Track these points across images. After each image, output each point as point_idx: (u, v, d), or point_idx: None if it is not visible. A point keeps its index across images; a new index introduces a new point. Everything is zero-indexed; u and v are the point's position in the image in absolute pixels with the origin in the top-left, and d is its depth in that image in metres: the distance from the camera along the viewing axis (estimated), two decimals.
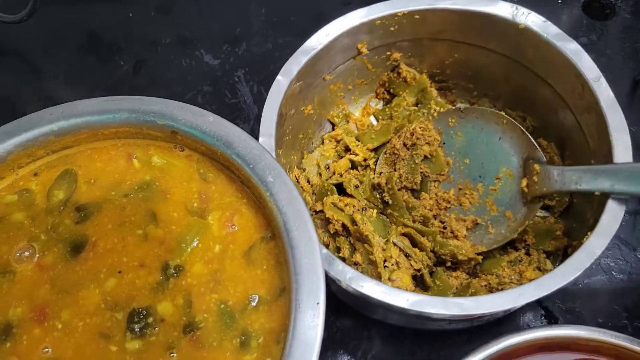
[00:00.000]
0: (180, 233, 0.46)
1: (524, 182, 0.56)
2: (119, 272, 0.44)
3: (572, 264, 0.46)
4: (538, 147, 0.56)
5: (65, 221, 0.47)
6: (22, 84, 0.78)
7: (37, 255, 0.45)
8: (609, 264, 0.61)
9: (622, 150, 0.50)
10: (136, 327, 0.42)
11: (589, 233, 0.47)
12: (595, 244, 0.47)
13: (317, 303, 0.40)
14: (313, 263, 0.41)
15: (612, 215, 0.48)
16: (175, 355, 0.42)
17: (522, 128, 0.57)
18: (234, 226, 0.46)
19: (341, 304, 0.58)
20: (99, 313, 0.43)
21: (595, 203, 0.51)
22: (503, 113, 0.59)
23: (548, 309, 0.59)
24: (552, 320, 0.58)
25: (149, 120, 0.48)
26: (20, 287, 0.44)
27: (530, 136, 0.57)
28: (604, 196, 0.49)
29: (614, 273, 0.60)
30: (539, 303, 0.59)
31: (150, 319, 0.43)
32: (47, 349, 0.42)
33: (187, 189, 0.48)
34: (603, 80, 0.52)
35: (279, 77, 0.55)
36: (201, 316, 0.43)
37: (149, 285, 0.44)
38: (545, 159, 0.56)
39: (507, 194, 0.58)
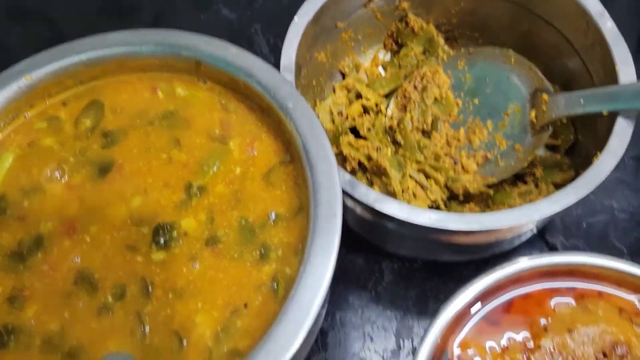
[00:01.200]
0: (202, 157, 0.48)
1: (533, 114, 0.58)
2: (145, 191, 0.47)
3: (584, 181, 0.47)
4: (545, 78, 0.58)
5: (93, 146, 0.49)
6: (45, 44, 0.79)
7: (67, 176, 0.47)
8: (612, 204, 0.62)
9: (626, 78, 0.51)
10: (161, 240, 0.44)
11: (598, 153, 0.48)
12: (605, 162, 0.47)
13: (335, 215, 0.42)
14: (331, 180, 0.43)
15: (621, 137, 0.49)
16: (198, 265, 0.44)
17: (529, 63, 0.59)
18: (254, 151, 0.48)
19: (353, 240, 0.60)
20: (126, 228, 0.45)
21: (599, 138, 0.53)
22: (511, 50, 0.60)
23: (552, 245, 0.61)
24: None
25: (174, 52, 0.50)
26: (51, 204, 0.46)
27: (537, 69, 0.58)
28: (610, 123, 0.50)
29: (617, 213, 0.62)
30: (543, 239, 0.61)
31: (175, 233, 0.45)
32: (76, 259, 0.44)
33: (209, 118, 0.50)
34: (606, 14, 0.54)
35: (296, 18, 0.57)
36: (223, 231, 0.45)
37: (173, 204, 0.46)
38: (552, 89, 0.57)
39: (516, 128, 0.59)
